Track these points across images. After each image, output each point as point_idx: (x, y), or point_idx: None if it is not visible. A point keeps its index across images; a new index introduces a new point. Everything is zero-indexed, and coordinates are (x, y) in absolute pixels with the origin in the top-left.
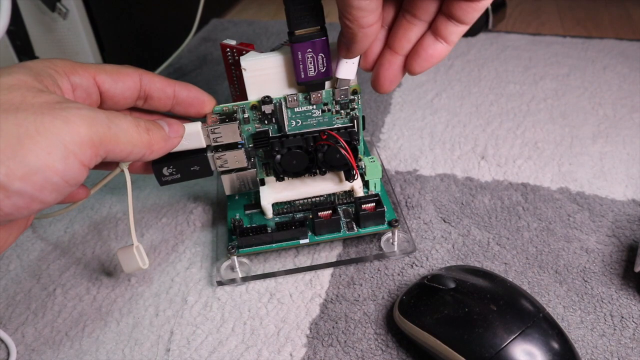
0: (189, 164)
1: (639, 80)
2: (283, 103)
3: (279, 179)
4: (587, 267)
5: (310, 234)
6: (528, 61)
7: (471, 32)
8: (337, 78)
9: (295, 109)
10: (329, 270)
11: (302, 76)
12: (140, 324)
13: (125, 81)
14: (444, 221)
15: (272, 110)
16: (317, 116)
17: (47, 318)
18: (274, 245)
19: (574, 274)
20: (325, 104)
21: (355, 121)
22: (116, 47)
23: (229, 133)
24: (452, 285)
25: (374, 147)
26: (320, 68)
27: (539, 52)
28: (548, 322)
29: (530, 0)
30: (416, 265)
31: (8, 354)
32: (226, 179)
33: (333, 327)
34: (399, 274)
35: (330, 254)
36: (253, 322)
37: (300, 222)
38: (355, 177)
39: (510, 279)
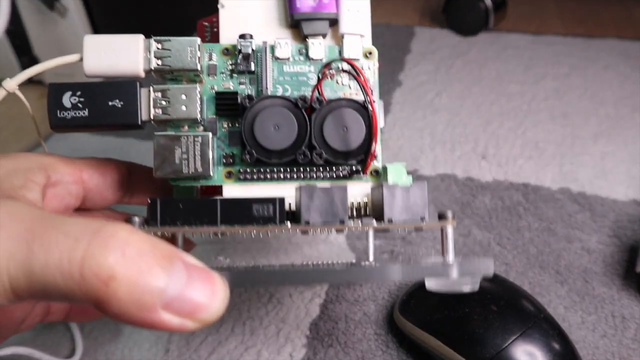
0: (108, 94)
1: None
2: (268, 51)
3: (250, 164)
4: (588, 267)
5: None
6: (529, 61)
7: (471, 32)
8: (343, 34)
9: (284, 66)
10: None
11: (298, 5)
12: None
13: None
14: None
15: (250, 54)
16: (315, 83)
17: None
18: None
19: (575, 274)
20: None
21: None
22: None
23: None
24: None
25: None
26: None
27: (539, 52)
28: (549, 323)
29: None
30: None
31: None
32: (160, 142)
33: (333, 328)
34: None
35: None
36: (253, 323)
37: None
38: (369, 167)
39: (511, 279)
